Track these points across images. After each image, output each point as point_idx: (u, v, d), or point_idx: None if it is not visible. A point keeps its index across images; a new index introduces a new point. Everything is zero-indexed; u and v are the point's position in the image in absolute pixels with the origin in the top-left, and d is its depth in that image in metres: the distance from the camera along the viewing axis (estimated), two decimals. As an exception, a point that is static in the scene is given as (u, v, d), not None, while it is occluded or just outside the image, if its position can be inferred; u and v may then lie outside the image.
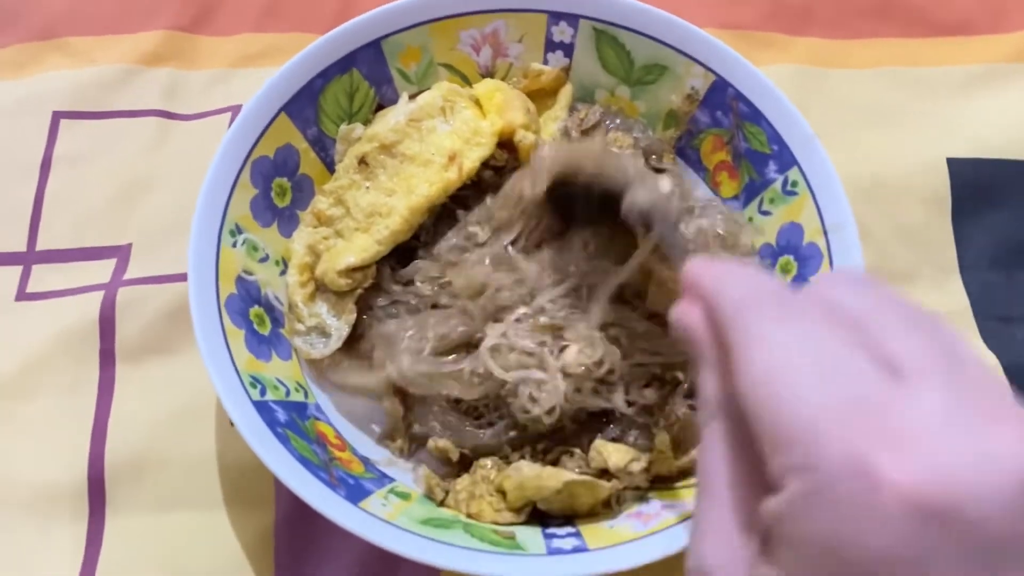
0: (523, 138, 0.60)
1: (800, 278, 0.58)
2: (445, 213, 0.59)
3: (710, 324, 0.35)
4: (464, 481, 0.54)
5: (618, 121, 0.65)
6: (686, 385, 0.55)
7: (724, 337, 0.33)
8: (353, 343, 0.58)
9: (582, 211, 0.53)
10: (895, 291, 0.34)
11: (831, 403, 0.28)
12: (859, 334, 0.31)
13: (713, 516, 0.33)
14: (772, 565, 0.30)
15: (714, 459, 0.34)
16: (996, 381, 0.30)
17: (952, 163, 0.71)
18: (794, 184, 0.59)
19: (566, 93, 0.66)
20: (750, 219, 0.62)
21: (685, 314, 0.37)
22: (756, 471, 0.31)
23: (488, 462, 0.55)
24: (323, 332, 0.58)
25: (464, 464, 0.56)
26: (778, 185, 0.60)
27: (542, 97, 0.66)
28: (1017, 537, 0.26)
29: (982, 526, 0.26)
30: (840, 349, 0.30)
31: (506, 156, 0.61)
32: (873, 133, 0.73)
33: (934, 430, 0.27)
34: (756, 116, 0.61)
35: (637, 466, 0.52)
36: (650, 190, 0.47)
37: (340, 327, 0.57)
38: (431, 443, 0.55)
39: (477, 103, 0.63)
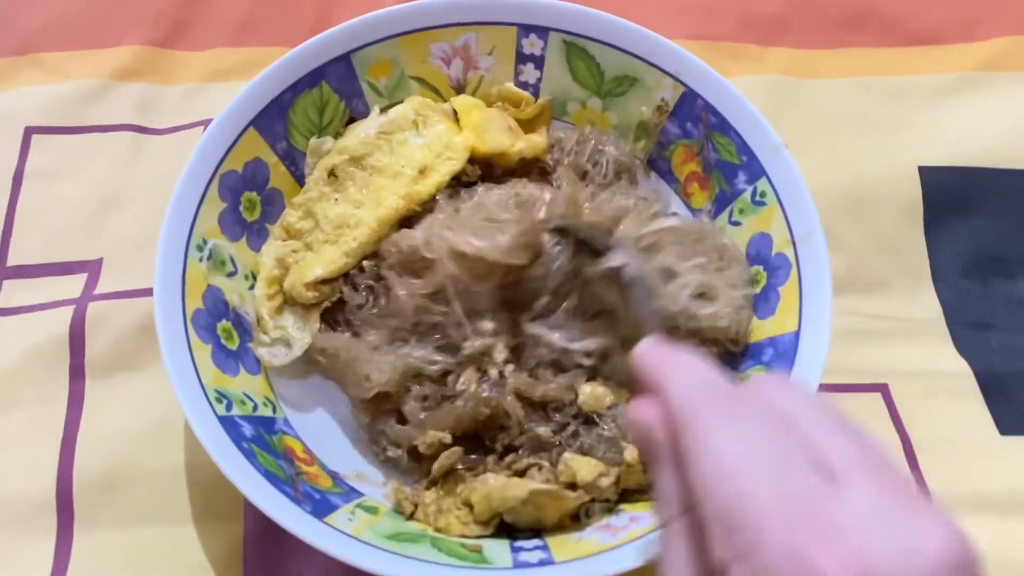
0: (515, 154, 0.61)
1: (769, 288, 0.58)
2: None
3: (666, 422, 0.37)
4: (432, 495, 0.54)
5: (593, 140, 0.65)
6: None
7: (677, 432, 0.35)
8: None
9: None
10: (823, 396, 0.37)
11: (774, 497, 0.31)
12: (795, 434, 0.33)
13: None
14: None
15: (677, 557, 0.36)
16: (909, 480, 0.33)
17: (924, 171, 0.71)
18: (763, 194, 0.59)
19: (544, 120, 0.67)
20: (721, 229, 0.62)
21: (643, 412, 0.39)
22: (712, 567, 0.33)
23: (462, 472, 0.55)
24: (287, 344, 0.57)
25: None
26: (747, 195, 0.60)
27: (522, 125, 0.66)
28: None
29: None
30: (782, 448, 0.33)
31: (479, 172, 0.61)
32: (846, 142, 0.73)
33: (863, 526, 0.30)
34: (725, 126, 0.61)
35: (606, 481, 0.52)
36: (629, 258, 0.51)
37: (302, 338, 0.57)
38: (421, 443, 0.55)
39: (453, 117, 0.63)
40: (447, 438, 0.54)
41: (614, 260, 0.51)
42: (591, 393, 0.54)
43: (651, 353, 0.40)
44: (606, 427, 0.54)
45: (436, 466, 0.54)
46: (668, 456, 0.36)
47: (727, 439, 0.33)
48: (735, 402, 0.35)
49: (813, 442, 0.33)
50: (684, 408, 0.35)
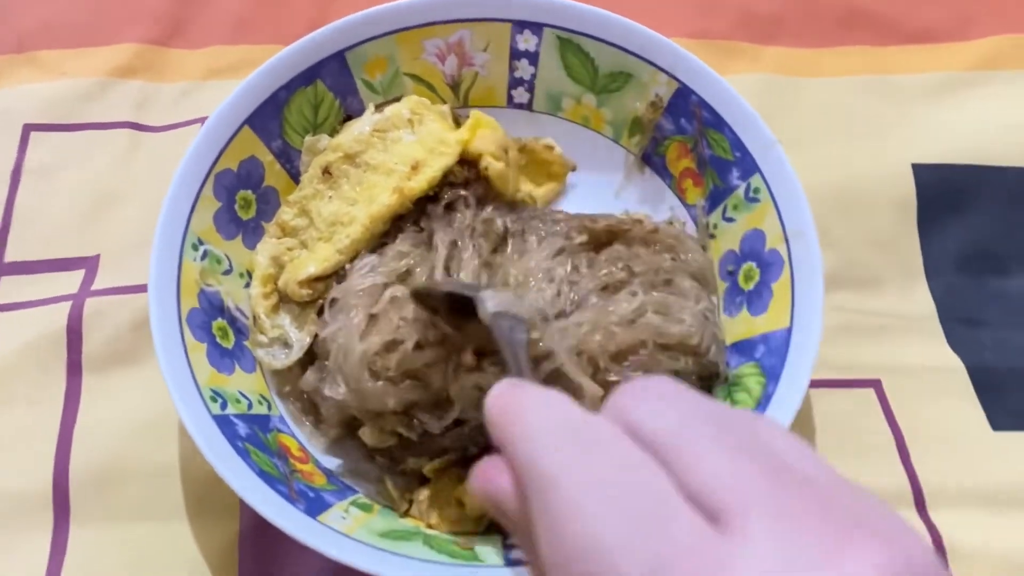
0: (489, 164, 0.61)
1: (762, 284, 0.58)
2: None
3: (516, 486, 0.30)
4: (425, 492, 0.55)
5: None
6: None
7: (523, 495, 0.29)
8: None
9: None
10: (701, 397, 0.30)
11: (644, 559, 0.24)
12: (667, 467, 0.27)
13: None
14: None
15: None
16: (833, 483, 0.27)
17: (918, 169, 0.71)
18: (756, 191, 0.59)
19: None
20: (715, 225, 0.62)
21: (488, 479, 0.32)
22: None
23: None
24: (285, 343, 0.58)
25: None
26: (741, 192, 0.60)
27: (543, 169, 0.67)
28: None
29: None
30: (649, 497, 0.26)
31: (465, 174, 0.61)
32: (840, 140, 0.73)
33: None
34: (719, 123, 0.61)
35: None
36: (494, 304, 0.46)
37: (301, 338, 0.57)
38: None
39: (450, 119, 0.64)
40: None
41: (483, 304, 0.46)
42: None
43: (500, 398, 0.32)
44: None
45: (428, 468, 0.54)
46: (523, 526, 0.29)
47: (577, 486, 0.26)
48: (592, 439, 0.28)
49: (694, 472, 0.26)
50: (525, 456, 0.29)
